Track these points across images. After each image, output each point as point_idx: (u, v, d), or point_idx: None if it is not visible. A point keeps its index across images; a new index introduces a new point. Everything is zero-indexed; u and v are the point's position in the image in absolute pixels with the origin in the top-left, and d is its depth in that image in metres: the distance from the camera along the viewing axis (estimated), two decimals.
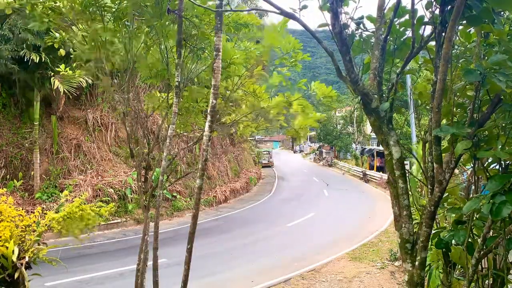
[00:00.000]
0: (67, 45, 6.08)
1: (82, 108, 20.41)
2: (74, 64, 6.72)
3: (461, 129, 2.79)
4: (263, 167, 45.42)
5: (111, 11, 5.30)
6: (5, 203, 6.35)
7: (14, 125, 17.80)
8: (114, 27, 5.54)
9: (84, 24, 5.52)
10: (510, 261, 3.46)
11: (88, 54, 5.72)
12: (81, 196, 7.34)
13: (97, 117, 20.44)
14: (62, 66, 6.87)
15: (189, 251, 5.06)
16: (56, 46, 6.06)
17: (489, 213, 2.70)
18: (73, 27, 5.62)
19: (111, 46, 5.70)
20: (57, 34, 5.86)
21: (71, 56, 6.23)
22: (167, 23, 5.46)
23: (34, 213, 6.77)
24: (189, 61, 6.07)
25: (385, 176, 25.97)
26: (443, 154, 2.98)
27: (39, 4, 5.12)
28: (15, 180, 16.39)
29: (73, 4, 5.13)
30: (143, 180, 6.79)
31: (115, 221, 17.78)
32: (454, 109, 3.27)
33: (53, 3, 5.18)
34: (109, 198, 17.57)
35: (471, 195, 4.01)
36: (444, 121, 3.18)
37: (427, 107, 3.56)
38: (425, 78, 4.05)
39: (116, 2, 5.17)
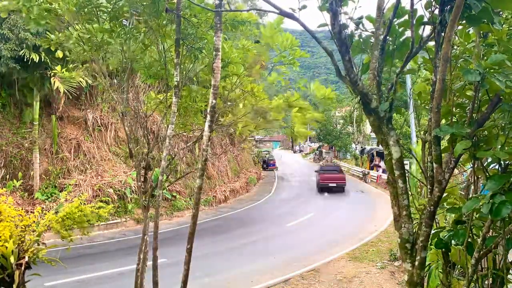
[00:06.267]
0: (65, 46, 6.07)
1: (82, 108, 20.39)
2: (71, 66, 6.71)
3: (461, 129, 2.79)
4: (269, 170, 44.47)
5: (106, 11, 5.29)
6: (5, 203, 6.35)
7: (14, 125, 17.79)
8: (111, 27, 5.53)
9: (80, 24, 5.51)
10: (510, 260, 3.46)
11: (84, 55, 5.72)
12: (81, 196, 7.34)
13: (96, 117, 20.42)
14: (59, 68, 6.86)
15: (189, 251, 5.07)
16: (52, 48, 6.04)
17: (489, 213, 2.70)
18: (70, 28, 5.61)
19: (108, 46, 5.69)
20: (52, 36, 5.84)
21: (67, 58, 6.22)
22: (164, 22, 5.46)
23: (33, 213, 6.77)
24: (187, 61, 6.08)
25: (384, 176, 25.96)
26: (442, 154, 2.98)
27: (35, 6, 5.11)
28: (14, 180, 16.38)
29: (68, 6, 5.13)
30: (142, 180, 6.79)
31: (115, 221, 17.77)
32: (454, 109, 3.27)
33: (48, 4, 5.16)
34: (108, 198, 17.56)
35: (470, 195, 4.00)
36: (443, 121, 3.18)
37: (427, 107, 3.55)
38: (424, 78, 4.04)
39: (112, 2, 5.16)
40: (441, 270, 4.14)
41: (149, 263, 6.46)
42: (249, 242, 15.76)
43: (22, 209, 6.76)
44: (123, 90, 6.41)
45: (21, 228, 6.28)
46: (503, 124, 2.97)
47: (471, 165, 3.52)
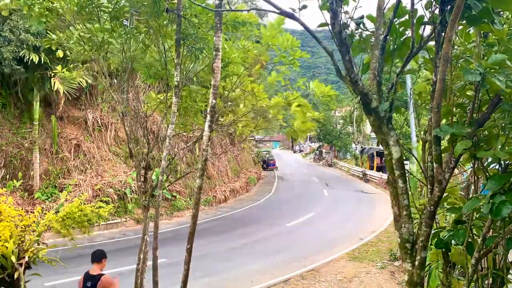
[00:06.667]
0: (66, 46, 6.08)
1: (82, 108, 20.39)
2: (71, 65, 6.73)
3: (461, 129, 2.79)
4: (269, 170, 44.52)
5: (107, 11, 5.30)
6: (5, 203, 6.35)
7: (14, 125, 17.79)
8: (112, 27, 5.53)
9: (81, 24, 5.52)
10: (510, 260, 3.46)
11: (85, 54, 5.73)
12: (81, 196, 7.34)
13: (96, 117, 20.42)
14: (59, 68, 6.87)
15: (189, 252, 5.07)
16: (53, 47, 6.05)
17: (489, 213, 2.70)
18: (71, 27, 5.62)
19: (109, 46, 5.69)
20: (54, 36, 5.86)
21: (68, 58, 6.23)
22: (164, 22, 5.46)
23: (33, 213, 6.77)
24: (187, 61, 6.08)
25: (384, 176, 25.93)
26: (442, 154, 2.98)
27: (36, 4, 5.11)
28: (14, 180, 16.37)
29: (69, 5, 5.13)
30: (142, 180, 6.79)
31: (115, 221, 17.77)
32: (454, 109, 3.27)
33: (50, 3, 5.17)
34: (108, 198, 17.55)
35: (470, 195, 4.00)
36: (443, 121, 3.18)
37: (427, 107, 3.56)
38: (424, 78, 4.04)
39: (113, 2, 5.17)
40: (441, 270, 4.14)
41: (149, 263, 6.46)
42: (249, 242, 15.75)
43: (22, 209, 6.75)
44: (123, 90, 6.41)
45: (21, 228, 6.28)
46: (503, 124, 2.97)
47: (471, 165, 3.52)
